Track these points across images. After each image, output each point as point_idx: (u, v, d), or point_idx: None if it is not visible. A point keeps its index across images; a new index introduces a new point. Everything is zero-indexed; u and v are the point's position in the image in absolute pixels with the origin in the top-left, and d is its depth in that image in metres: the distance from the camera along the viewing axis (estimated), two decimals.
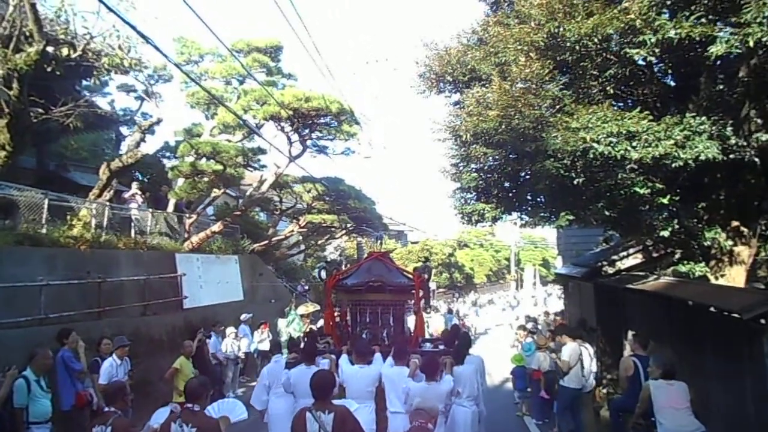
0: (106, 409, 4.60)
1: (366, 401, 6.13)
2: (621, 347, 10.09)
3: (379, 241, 17.96)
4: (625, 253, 10.21)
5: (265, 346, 13.80)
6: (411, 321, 8.54)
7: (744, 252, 7.65)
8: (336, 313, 8.41)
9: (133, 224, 13.77)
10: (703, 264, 7.80)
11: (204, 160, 15.17)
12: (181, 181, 16.01)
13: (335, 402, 4.61)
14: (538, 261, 60.44)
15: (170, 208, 16.43)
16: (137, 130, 16.55)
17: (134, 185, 15.02)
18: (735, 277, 7.61)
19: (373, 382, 6.32)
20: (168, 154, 19.60)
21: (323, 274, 8.18)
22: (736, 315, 5.78)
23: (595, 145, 6.37)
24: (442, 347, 7.80)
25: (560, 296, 34.20)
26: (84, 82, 14.69)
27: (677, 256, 8.37)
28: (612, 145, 6.32)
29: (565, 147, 6.71)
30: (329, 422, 4.21)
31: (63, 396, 7.32)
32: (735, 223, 7.65)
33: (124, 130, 19.03)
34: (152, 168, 18.51)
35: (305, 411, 4.32)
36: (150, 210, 14.92)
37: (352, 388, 6.26)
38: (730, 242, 7.50)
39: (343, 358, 6.64)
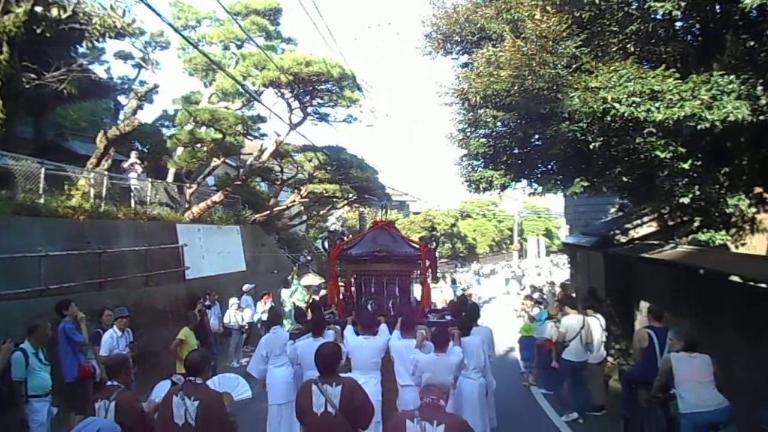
0: (109, 382, 4.48)
1: (371, 372, 6.10)
2: (632, 318, 9.89)
3: (384, 210, 17.67)
4: (639, 222, 9.89)
5: None
6: (417, 291, 8.35)
7: (767, 219, 7.36)
8: (340, 284, 8.28)
9: (132, 194, 13.54)
10: (723, 232, 7.51)
11: (203, 128, 14.77)
12: (180, 150, 15.65)
13: (342, 375, 4.48)
14: (541, 231, 60.24)
15: (170, 177, 16.13)
16: (134, 97, 16.17)
17: (133, 154, 14.69)
18: (756, 245, 7.33)
19: (378, 353, 6.22)
20: (167, 123, 19.24)
21: (326, 244, 8.06)
22: (763, 285, 5.54)
23: (616, 105, 6.02)
24: (448, 318, 7.70)
25: (563, 266, 34.15)
26: (79, 49, 14.23)
27: (696, 224, 8.07)
28: (635, 105, 5.97)
29: (583, 108, 6.36)
30: (337, 394, 4.10)
31: (66, 368, 7.20)
32: (758, 190, 7.33)
33: (122, 99, 18.59)
34: (151, 137, 18.16)
35: (311, 383, 4.21)
36: (149, 180, 14.62)
37: (358, 360, 6.19)
38: (753, 209, 7.20)
39: (348, 329, 6.57)
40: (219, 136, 14.56)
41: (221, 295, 13.28)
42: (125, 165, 14.33)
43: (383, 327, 6.52)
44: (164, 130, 18.53)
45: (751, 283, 5.94)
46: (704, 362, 5.28)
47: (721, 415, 5.09)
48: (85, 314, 7.67)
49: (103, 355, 7.43)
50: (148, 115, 23.69)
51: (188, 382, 4.17)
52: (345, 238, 8.36)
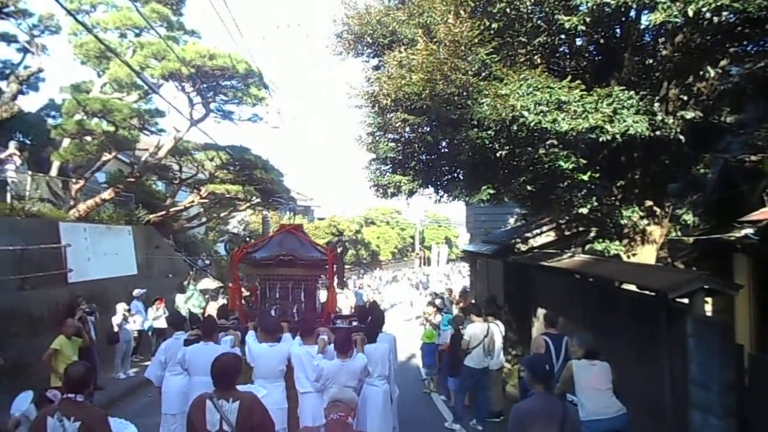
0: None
1: (277, 381, 5.93)
2: (529, 324, 10.19)
3: (292, 214, 17.22)
4: (538, 231, 10.26)
5: (161, 323, 12.70)
6: (323, 296, 8.12)
7: (656, 231, 7.80)
8: (244, 288, 8.02)
9: (9, 188, 12.19)
10: (617, 242, 7.88)
11: (93, 119, 13.54)
12: (66, 142, 14.25)
13: (241, 388, 4.04)
14: (441, 240, 61.93)
15: (54, 171, 14.64)
16: (14, 80, 14.60)
17: (11, 145, 13.17)
18: (646, 256, 7.74)
19: (282, 360, 6.01)
20: (53, 113, 17.55)
21: (228, 247, 7.60)
22: (656, 294, 5.80)
23: (525, 113, 6.09)
24: (354, 323, 7.61)
25: (463, 274, 35.17)
26: None
27: (592, 234, 8.44)
28: (542, 114, 6.07)
29: (492, 116, 6.39)
30: (233, 411, 3.69)
31: None
32: (648, 203, 7.76)
33: (3, 85, 16.76)
34: (35, 128, 16.52)
35: (205, 398, 3.77)
36: (29, 173, 13.19)
37: (261, 368, 5.93)
38: (644, 221, 7.61)
39: (250, 335, 6.26)
40: (111, 128, 13.40)
41: (109, 300, 12.20)
42: (2, 156, 12.84)
43: (286, 334, 6.32)
44: (50, 121, 16.89)
45: (642, 291, 6.24)
46: (603, 369, 5.32)
47: (620, 422, 5.14)
48: None
49: None
50: (33, 104, 21.57)
51: (67, 400, 3.63)
52: (248, 241, 7.98)
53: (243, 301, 7.84)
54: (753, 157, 9.26)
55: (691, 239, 8.78)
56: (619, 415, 5.14)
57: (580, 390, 5.25)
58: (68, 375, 3.74)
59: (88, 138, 13.73)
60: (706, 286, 5.28)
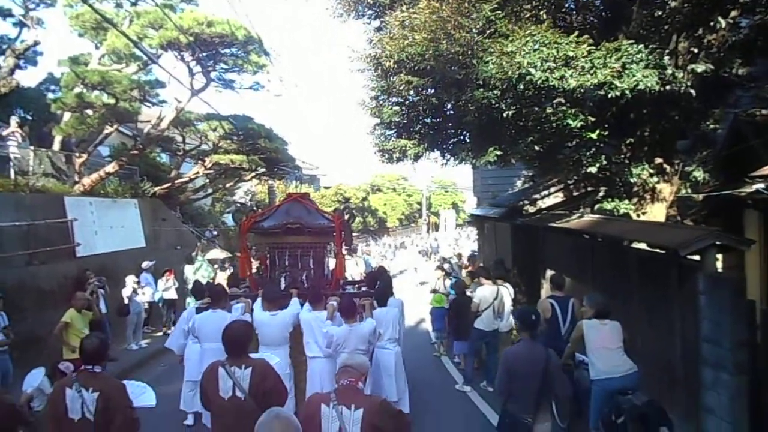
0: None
1: (279, 347, 6.02)
2: (538, 286, 10.18)
3: (298, 182, 17.19)
4: (546, 192, 10.14)
5: (171, 294, 12.84)
6: (333, 263, 8.26)
7: (666, 189, 7.68)
8: (253, 257, 8.15)
9: (12, 164, 12.19)
10: (627, 201, 7.77)
11: (93, 92, 13.37)
12: (67, 116, 14.13)
13: (254, 356, 4.08)
14: (448, 205, 61.82)
15: (56, 146, 14.56)
16: (10, 54, 14.39)
17: (13, 121, 13.10)
18: (656, 214, 7.65)
19: (285, 327, 6.12)
20: (53, 87, 17.37)
21: (233, 218, 7.68)
22: (667, 252, 5.73)
23: (531, 70, 5.93)
24: (364, 289, 7.78)
25: (471, 238, 35.21)
26: None
27: (601, 194, 8.32)
28: (549, 71, 5.92)
29: (498, 74, 6.23)
30: (246, 377, 3.71)
31: None
32: (658, 160, 7.62)
33: (0, 60, 16.54)
34: (35, 103, 16.41)
35: (217, 365, 3.78)
36: (32, 148, 13.12)
37: (265, 335, 6.09)
38: (654, 179, 7.48)
39: (257, 303, 6.38)
40: (111, 101, 13.24)
41: (118, 273, 12.28)
42: (4, 133, 12.79)
43: (294, 300, 6.43)
44: (50, 95, 16.72)
45: (652, 249, 6.17)
46: (614, 329, 5.32)
47: (631, 380, 5.16)
48: None
49: None
50: (32, 79, 21.34)
51: (85, 371, 3.66)
52: (256, 211, 8.11)
53: (253, 270, 7.88)
54: (764, 111, 9.06)
55: (701, 196, 8.66)
56: (630, 373, 5.15)
57: (590, 350, 5.28)
58: (85, 347, 3.75)
59: (89, 111, 13.58)
60: (718, 243, 5.18)
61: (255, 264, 8.81)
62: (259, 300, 6.40)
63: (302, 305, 6.36)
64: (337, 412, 3.03)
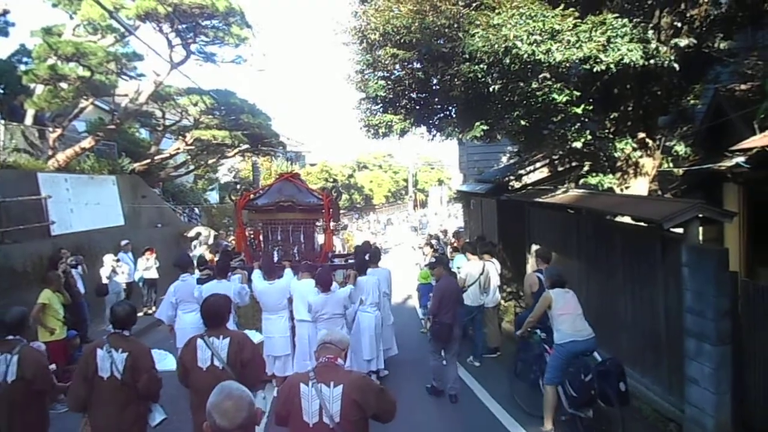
0: (10, 336, 4.20)
1: (281, 311, 6.97)
2: (524, 261, 10.23)
3: (287, 162, 17.27)
4: (531, 168, 10.13)
5: (152, 273, 12.65)
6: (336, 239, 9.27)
7: (648, 164, 7.71)
8: (248, 232, 8.82)
9: None
10: (611, 176, 7.80)
11: (67, 64, 12.95)
12: (39, 88, 13.69)
13: (231, 329, 4.35)
14: (434, 182, 61.84)
15: (29, 120, 14.15)
16: None
17: None
18: (639, 188, 7.70)
19: (284, 294, 6.98)
20: (25, 59, 16.78)
21: (230, 196, 8.73)
22: (650, 225, 5.76)
23: (518, 44, 5.87)
24: (351, 261, 8.51)
25: (454, 215, 35.36)
26: None
27: (585, 168, 8.33)
28: (536, 44, 5.85)
29: (485, 47, 6.15)
30: (224, 347, 3.88)
31: None
32: (641, 135, 7.63)
33: None
34: (6, 76, 15.86)
35: (196, 338, 3.99)
36: (2, 122, 12.73)
37: (266, 303, 6.95)
38: (637, 153, 7.50)
39: (255, 274, 7.14)
40: (86, 73, 12.87)
41: (96, 252, 12.07)
42: None
43: (288, 271, 7.21)
44: (22, 67, 16.18)
45: (636, 223, 6.20)
46: (574, 297, 5.69)
47: (591, 343, 5.54)
48: None
49: None
50: (3, 51, 20.64)
51: (116, 334, 4.01)
52: (250, 190, 9.13)
53: (247, 244, 8.58)
54: (743, 86, 9.11)
55: (681, 171, 8.73)
56: (591, 337, 5.52)
57: (556, 316, 5.56)
58: (114, 314, 4.10)
59: (63, 85, 13.18)
60: (700, 215, 5.22)
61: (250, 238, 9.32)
62: (256, 271, 7.10)
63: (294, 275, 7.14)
64: (317, 390, 2.98)
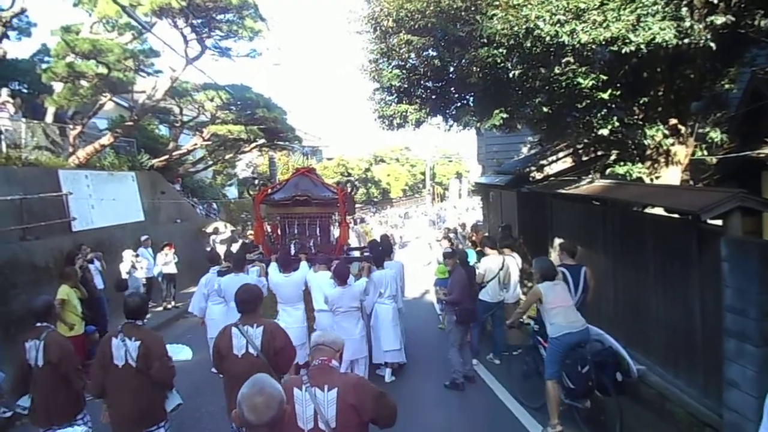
0: (38, 323, 4.46)
1: (296, 303, 6.93)
2: (546, 255, 9.84)
3: (304, 156, 17.20)
4: (554, 158, 9.73)
5: (171, 269, 12.61)
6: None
7: (681, 152, 7.27)
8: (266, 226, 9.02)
9: (3, 137, 11.83)
10: (640, 165, 7.38)
11: (85, 61, 12.91)
12: (59, 86, 13.71)
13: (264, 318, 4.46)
14: (452, 175, 61.33)
15: (49, 118, 14.18)
16: None
17: (4, 92, 12.74)
18: (670, 178, 7.26)
19: (299, 287, 6.95)
20: (46, 58, 16.88)
21: (248, 191, 8.95)
22: (685, 216, 5.40)
23: (540, 24, 5.51)
24: (366, 254, 8.77)
25: (472, 208, 34.95)
26: None
27: (612, 157, 7.92)
28: (559, 24, 5.49)
29: (504, 30, 5.81)
30: (258, 336, 4.06)
31: None
32: (673, 121, 7.20)
33: None
34: (28, 75, 16.01)
35: (230, 326, 4.15)
36: (23, 120, 12.76)
37: (281, 295, 6.94)
38: (669, 140, 7.07)
39: (272, 266, 7.16)
40: (104, 70, 12.83)
41: (117, 247, 12.04)
42: None
43: (303, 263, 7.22)
44: (43, 66, 16.27)
45: (669, 215, 5.83)
46: (565, 288, 5.63)
47: (585, 335, 5.45)
48: None
49: None
50: (27, 50, 20.79)
51: (129, 324, 4.16)
52: (267, 184, 9.30)
53: (265, 237, 8.81)
54: None
55: (714, 159, 8.26)
56: (584, 328, 5.45)
57: (548, 309, 5.46)
58: (128, 305, 4.24)
59: (82, 82, 13.18)
60: (742, 205, 4.83)
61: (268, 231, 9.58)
62: (273, 264, 7.18)
63: (310, 267, 7.23)
64: (311, 394, 2.81)
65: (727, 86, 7.93)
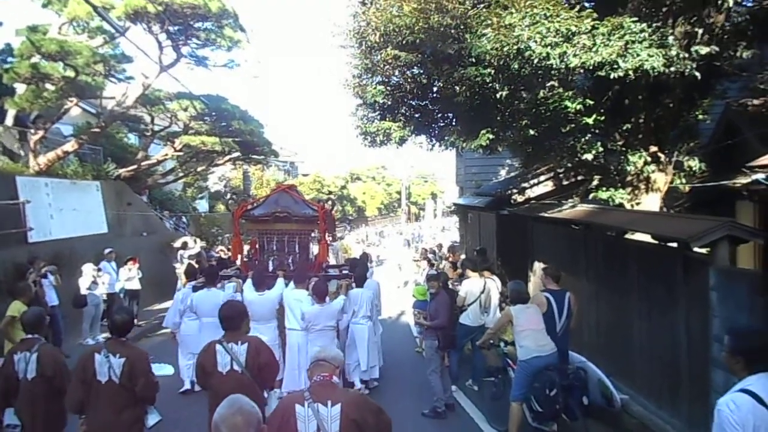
0: (29, 335, 4.44)
1: (268, 322, 6.89)
2: (525, 279, 9.75)
3: (285, 174, 16.95)
4: (535, 181, 9.71)
5: (135, 284, 11.95)
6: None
7: (660, 179, 7.30)
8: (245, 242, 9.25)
9: None
10: (623, 190, 7.36)
11: (51, 63, 12.38)
12: (22, 88, 13.11)
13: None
14: (427, 195, 61.59)
15: (9, 121, 13.57)
16: None
17: None
18: (650, 204, 7.28)
19: (273, 305, 6.98)
20: (9, 59, 16.23)
21: (228, 206, 9.03)
22: (670, 244, 5.32)
23: (531, 45, 5.44)
24: (345, 272, 8.68)
25: (447, 228, 34.99)
26: None
27: (595, 182, 7.89)
28: (550, 46, 5.42)
29: (494, 50, 5.73)
30: (242, 353, 4.04)
31: None
32: (653, 149, 7.22)
33: None
34: None
35: (214, 344, 4.10)
36: None
37: (254, 313, 6.60)
38: (651, 167, 7.07)
39: (248, 284, 7.13)
40: (71, 73, 12.33)
41: (77, 261, 11.42)
42: None
43: (280, 281, 7.24)
44: (6, 66, 15.62)
45: (654, 242, 5.75)
46: (536, 312, 5.63)
47: (554, 358, 5.45)
48: None
49: None
50: None
51: (113, 340, 4.10)
52: (247, 200, 9.46)
53: (242, 253, 8.92)
54: (755, 101, 8.74)
55: (687, 188, 8.31)
56: (553, 352, 5.45)
57: (519, 332, 5.50)
58: (113, 321, 4.18)
59: (47, 85, 12.63)
60: (731, 234, 4.77)
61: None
62: (249, 281, 7.13)
63: (287, 285, 7.23)
64: (314, 410, 2.79)
65: (700, 117, 8.06)
